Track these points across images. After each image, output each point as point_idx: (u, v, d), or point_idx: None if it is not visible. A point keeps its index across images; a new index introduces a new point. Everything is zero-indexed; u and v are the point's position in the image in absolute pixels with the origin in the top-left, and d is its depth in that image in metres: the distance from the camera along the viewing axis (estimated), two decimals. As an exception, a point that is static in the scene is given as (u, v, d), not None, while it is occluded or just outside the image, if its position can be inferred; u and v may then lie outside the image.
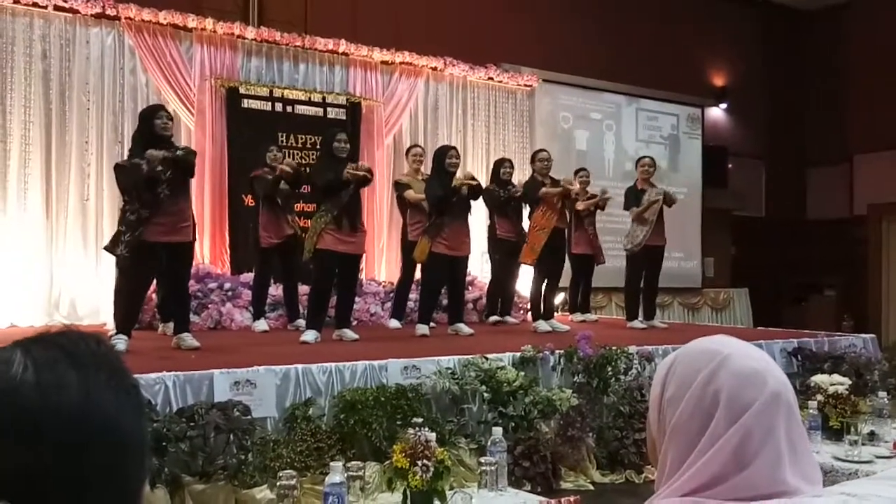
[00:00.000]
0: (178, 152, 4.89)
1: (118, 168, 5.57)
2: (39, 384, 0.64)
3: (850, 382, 4.83)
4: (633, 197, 7.37)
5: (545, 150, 7.27)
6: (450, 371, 4.46)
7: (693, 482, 1.03)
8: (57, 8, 6.90)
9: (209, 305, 6.75)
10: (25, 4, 6.77)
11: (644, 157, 7.77)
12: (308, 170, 7.15)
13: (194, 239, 5.25)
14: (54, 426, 0.63)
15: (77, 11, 6.99)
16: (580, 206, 7.67)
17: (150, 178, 4.70)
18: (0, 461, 0.61)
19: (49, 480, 0.62)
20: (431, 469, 2.69)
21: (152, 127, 4.89)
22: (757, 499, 1.00)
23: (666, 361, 1.16)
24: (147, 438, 0.72)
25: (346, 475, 2.63)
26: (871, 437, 3.85)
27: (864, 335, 6.78)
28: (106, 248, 4.99)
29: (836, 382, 4.65)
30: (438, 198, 6.14)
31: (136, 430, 0.69)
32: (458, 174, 6.40)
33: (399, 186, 7.05)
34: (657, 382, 1.15)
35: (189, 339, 4.96)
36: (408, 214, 6.96)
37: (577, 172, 8.18)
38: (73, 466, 0.63)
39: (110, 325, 5.43)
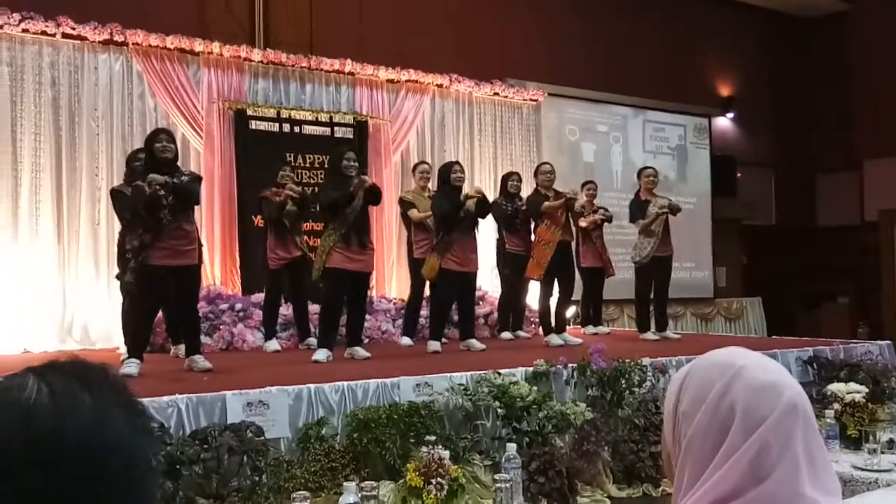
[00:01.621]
0: (183, 178, 4.89)
1: (115, 194, 5.62)
2: (55, 407, 0.66)
3: (867, 390, 4.79)
4: (637, 209, 7.35)
5: (548, 163, 7.27)
6: (462, 387, 4.43)
7: (710, 496, 1.02)
8: (65, 35, 6.98)
9: (221, 327, 6.75)
10: (34, 33, 6.85)
11: (647, 167, 7.75)
12: (316, 189, 7.20)
13: (200, 262, 5.24)
14: (68, 448, 0.64)
15: (85, 38, 7.06)
16: (583, 222, 7.67)
17: (152, 202, 4.70)
18: (14, 481, 0.62)
19: (60, 499, 0.63)
20: (446, 487, 2.68)
21: (153, 151, 4.91)
22: None
23: (679, 374, 1.16)
24: (153, 458, 0.74)
25: (360, 495, 2.63)
26: (891, 445, 3.81)
27: (879, 342, 6.71)
28: (118, 277, 5.00)
29: (852, 391, 4.61)
30: (445, 213, 6.14)
31: (146, 451, 0.71)
32: (465, 189, 6.41)
33: (403, 204, 7.06)
34: (671, 395, 1.15)
35: (202, 361, 4.96)
36: (413, 232, 6.97)
37: (584, 185, 8.18)
38: (85, 487, 0.65)
39: (123, 350, 5.43)
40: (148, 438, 0.72)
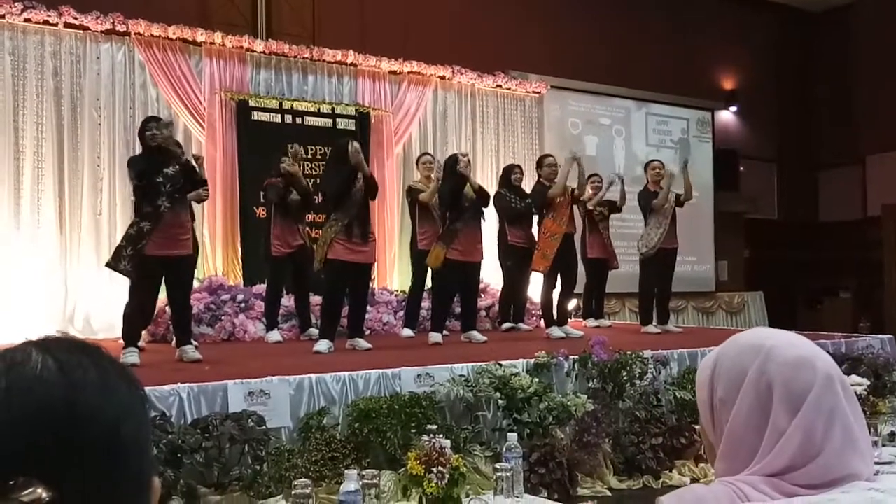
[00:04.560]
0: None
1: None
2: (65, 378, 0.66)
3: (868, 383, 4.79)
4: (644, 200, 7.36)
5: (551, 156, 7.27)
6: (463, 378, 4.44)
7: (764, 472, 1.04)
8: (67, 25, 6.96)
9: (222, 317, 6.76)
10: (36, 22, 6.83)
11: (653, 160, 7.76)
12: (317, 181, 7.21)
13: (195, 252, 5.22)
14: (81, 418, 0.65)
15: (87, 28, 7.05)
16: (590, 204, 7.69)
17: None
18: (32, 455, 0.62)
19: (73, 471, 0.63)
20: (447, 476, 2.68)
21: (143, 139, 4.91)
22: (827, 485, 1.01)
23: (707, 363, 1.16)
24: (150, 431, 0.75)
25: (360, 483, 2.63)
26: (892, 437, 3.81)
27: (881, 336, 6.72)
28: (108, 265, 4.92)
29: (854, 384, 4.61)
30: (446, 198, 6.16)
31: (145, 421, 0.72)
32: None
33: (412, 192, 7.05)
34: (703, 384, 1.15)
35: (191, 352, 4.94)
36: (417, 223, 6.96)
37: (589, 178, 8.17)
38: (101, 455, 0.65)
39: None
40: (144, 408, 0.73)
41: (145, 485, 0.70)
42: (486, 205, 6.48)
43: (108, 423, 0.66)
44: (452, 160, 6.36)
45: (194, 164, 5.01)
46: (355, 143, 5.65)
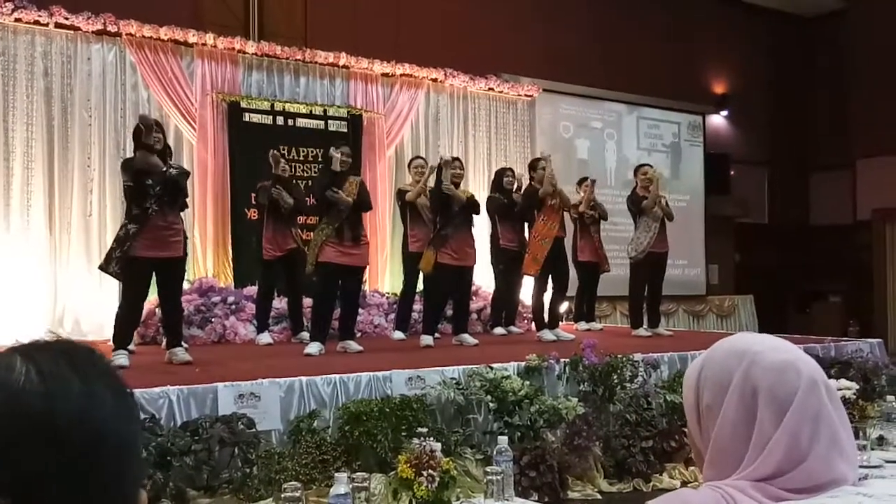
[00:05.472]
0: (172, 170, 4.91)
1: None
2: (46, 390, 0.65)
3: (857, 387, 4.81)
4: (632, 204, 7.37)
5: (543, 159, 7.27)
6: (455, 381, 4.44)
7: (751, 478, 1.04)
8: (58, 25, 6.93)
9: (213, 319, 6.73)
10: (27, 22, 6.80)
11: (643, 165, 7.78)
12: (309, 182, 7.22)
13: (185, 254, 5.22)
14: (60, 431, 0.64)
15: (78, 28, 7.02)
16: (582, 207, 7.72)
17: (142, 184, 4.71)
18: (7, 464, 0.61)
19: (50, 481, 0.63)
20: (437, 479, 2.67)
21: (137, 141, 4.92)
22: (814, 490, 1.02)
23: (694, 367, 1.16)
24: (140, 441, 0.74)
25: (351, 486, 2.62)
26: (880, 441, 3.81)
27: (870, 340, 6.75)
28: (100, 267, 4.95)
29: (843, 387, 4.63)
30: (440, 197, 6.17)
31: (133, 432, 0.71)
32: (462, 186, 6.44)
33: (401, 194, 7.06)
34: (689, 389, 1.15)
35: (181, 354, 4.93)
36: (409, 226, 6.97)
37: (580, 182, 8.20)
38: (74, 468, 0.64)
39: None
40: (132, 418, 0.71)
41: (131, 497, 0.69)
42: (477, 213, 6.50)
43: (90, 434, 0.65)
44: (444, 165, 6.37)
45: (176, 171, 4.98)
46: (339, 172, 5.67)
